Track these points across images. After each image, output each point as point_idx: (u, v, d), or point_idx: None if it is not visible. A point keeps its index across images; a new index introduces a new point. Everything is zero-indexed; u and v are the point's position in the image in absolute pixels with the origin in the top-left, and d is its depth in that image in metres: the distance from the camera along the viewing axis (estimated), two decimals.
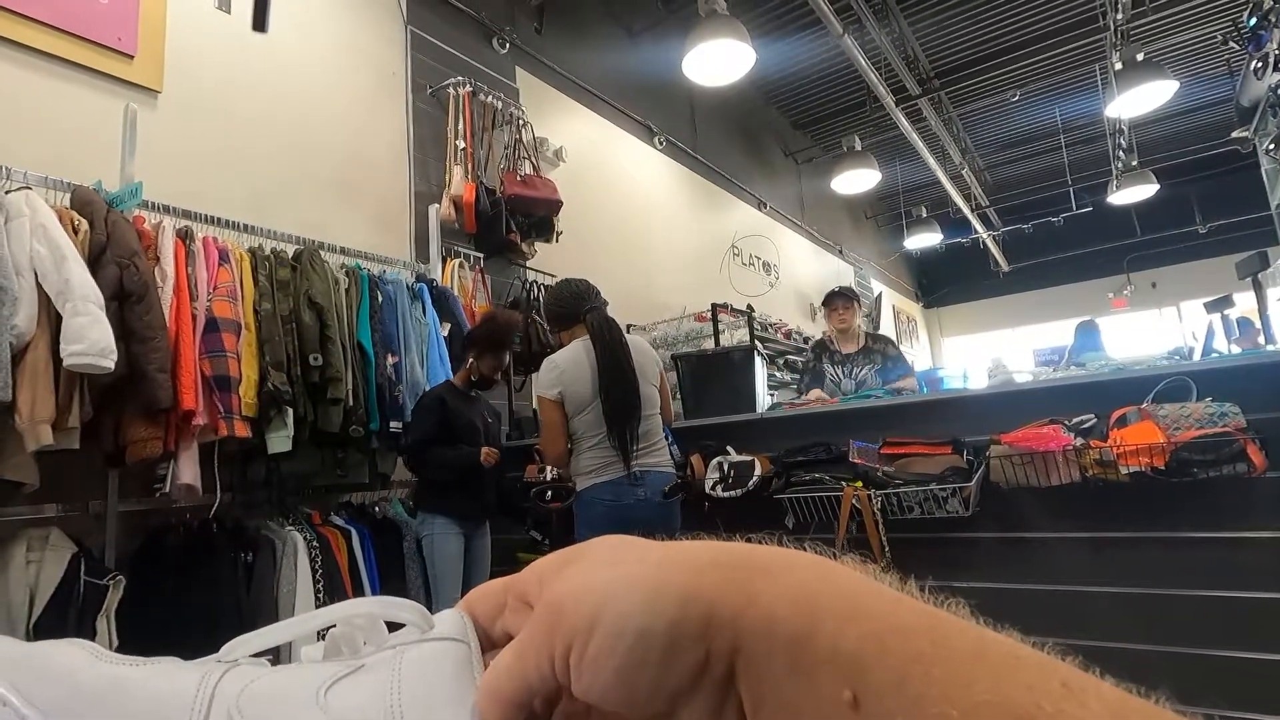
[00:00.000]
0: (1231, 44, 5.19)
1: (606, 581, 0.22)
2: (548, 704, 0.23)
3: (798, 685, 0.20)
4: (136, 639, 2.01)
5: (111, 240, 2.04)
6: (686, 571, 0.22)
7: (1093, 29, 5.92)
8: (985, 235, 9.56)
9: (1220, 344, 3.27)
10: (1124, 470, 1.85)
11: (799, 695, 0.20)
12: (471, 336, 2.79)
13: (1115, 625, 2.00)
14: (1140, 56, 5.02)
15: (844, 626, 0.20)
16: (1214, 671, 1.85)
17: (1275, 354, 2.27)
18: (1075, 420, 2.01)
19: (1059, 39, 6.17)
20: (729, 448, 2.56)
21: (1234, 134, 4.67)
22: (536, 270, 4.00)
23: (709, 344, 4.57)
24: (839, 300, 3.47)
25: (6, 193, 1.94)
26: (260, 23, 2.55)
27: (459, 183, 3.60)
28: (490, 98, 3.95)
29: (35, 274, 1.88)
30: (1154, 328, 9.88)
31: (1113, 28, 5.17)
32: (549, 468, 2.31)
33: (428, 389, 2.78)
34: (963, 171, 7.98)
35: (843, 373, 3.38)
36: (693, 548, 0.23)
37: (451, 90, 3.80)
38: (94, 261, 1.99)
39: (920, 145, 6.76)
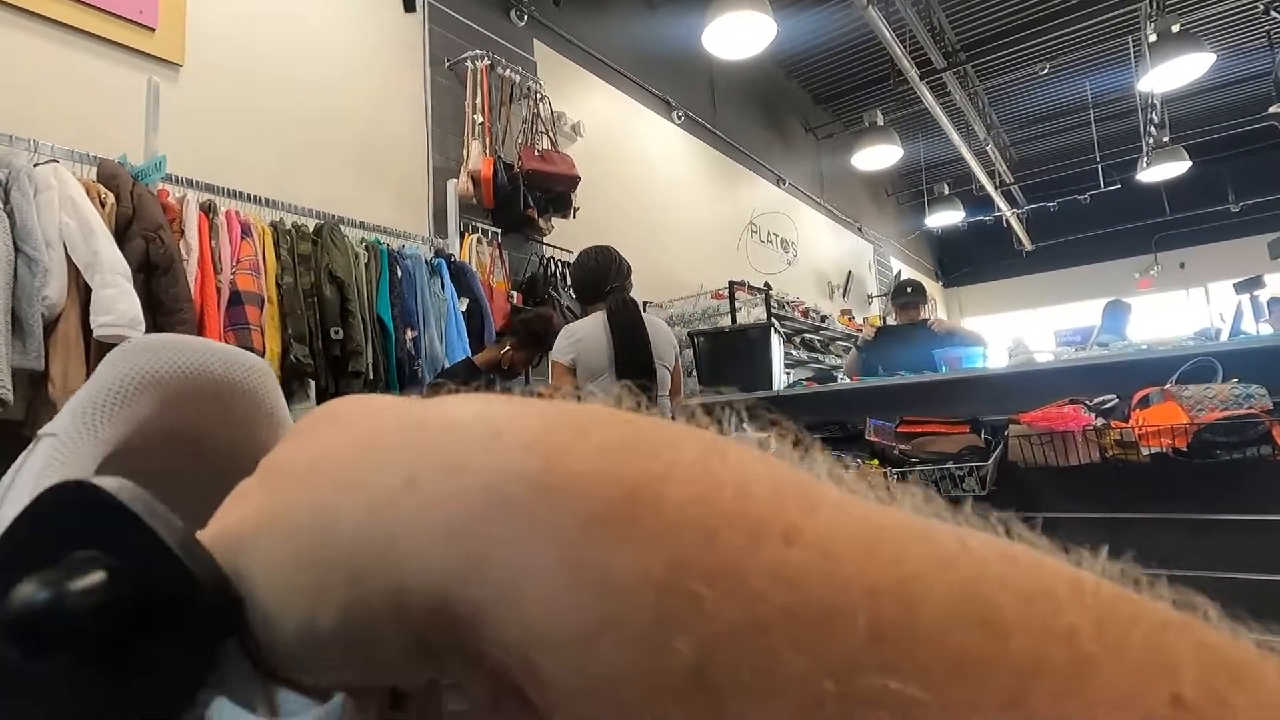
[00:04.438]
0: (1273, 14, 5.01)
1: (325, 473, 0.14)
2: None
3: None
4: None
5: (137, 213, 2.07)
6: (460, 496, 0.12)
7: None
8: (1009, 213, 9.38)
9: (1249, 325, 3.20)
10: (1145, 451, 1.83)
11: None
12: (516, 324, 2.79)
13: None
14: (1176, 28, 4.85)
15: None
16: None
17: None
18: (1096, 401, 1.99)
19: (1091, 9, 5.98)
20: (744, 425, 2.57)
21: (1272, 109, 4.53)
22: (554, 246, 4.00)
23: (726, 321, 4.55)
24: (906, 299, 3.83)
25: (35, 165, 1.96)
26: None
27: (477, 158, 3.59)
28: (508, 71, 3.92)
29: (64, 246, 1.91)
30: (1181, 309, 9.69)
31: None
32: None
33: (446, 364, 2.81)
34: (987, 148, 7.81)
35: None
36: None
37: (469, 64, 3.77)
38: (120, 234, 2.02)
39: (944, 120, 6.62)
